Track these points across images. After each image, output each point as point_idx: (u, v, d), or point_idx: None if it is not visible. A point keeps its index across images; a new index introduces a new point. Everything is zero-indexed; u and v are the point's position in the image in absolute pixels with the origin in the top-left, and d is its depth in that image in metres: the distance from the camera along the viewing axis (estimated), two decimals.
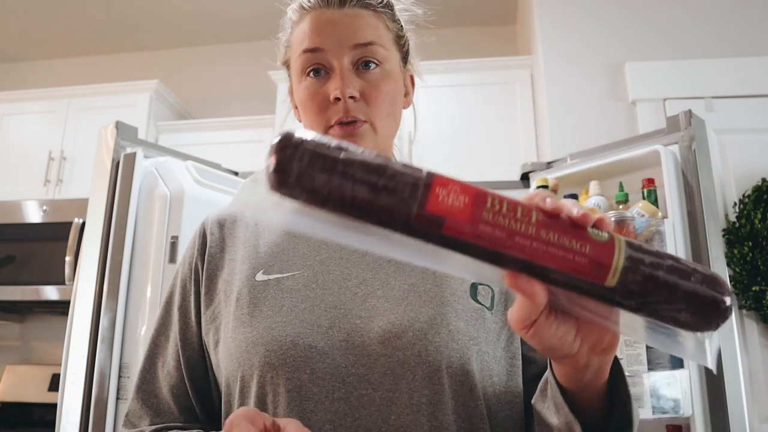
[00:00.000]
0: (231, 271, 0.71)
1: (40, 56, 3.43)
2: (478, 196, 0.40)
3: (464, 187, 0.40)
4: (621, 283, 0.41)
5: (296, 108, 0.77)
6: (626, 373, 0.57)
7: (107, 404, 1.38)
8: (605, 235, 0.41)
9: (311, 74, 0.69)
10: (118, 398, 1.40)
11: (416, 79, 0.80)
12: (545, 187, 1.71)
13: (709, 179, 1.49)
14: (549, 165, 1.85)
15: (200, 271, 0.73)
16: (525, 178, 1.92)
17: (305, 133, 0.40)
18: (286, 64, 0.76)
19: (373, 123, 0.69)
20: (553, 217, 0.41)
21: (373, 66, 0.69)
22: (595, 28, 2.31)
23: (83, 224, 1.68)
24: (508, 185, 1.97)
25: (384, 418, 0.59)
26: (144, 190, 1.53)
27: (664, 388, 1.36)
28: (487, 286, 0.69)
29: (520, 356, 0.69)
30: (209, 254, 0.73)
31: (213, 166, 1.77)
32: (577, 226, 0.41)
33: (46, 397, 2.55)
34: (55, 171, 2.63)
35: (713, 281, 0.41)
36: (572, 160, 1.77)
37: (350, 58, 0.68)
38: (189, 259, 0.75)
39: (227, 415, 0.63)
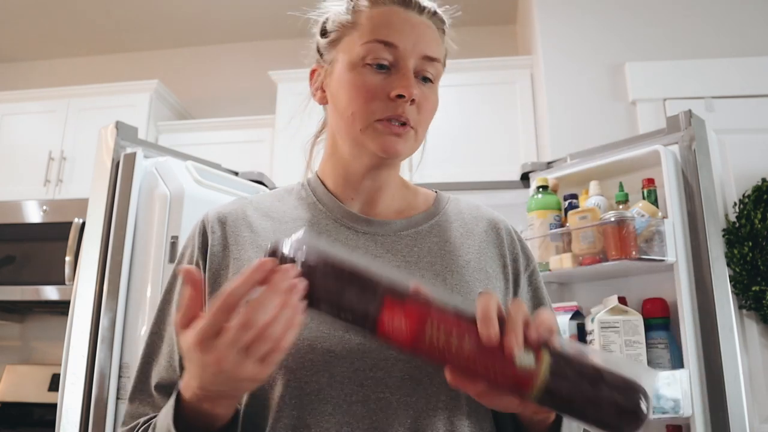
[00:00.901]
0: (237, 271, 0.69)
1: (40, 56, 3.43)
2: (418, 322, 0.50)
3: (408, 313, 0.50)
4: (539, 400, 0.49)
5: (322, 90, 0.75)
6: None
7: (107, 404, 1.38)
8: (531, 360, 0.49)
9: (375, 66, 0.68)
10: (118, 398, 1.40)
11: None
12: (545, 187, 1.71)
13: (709, 179, 1.49)
14: (549, 165, 1.85)
15: (203, 270, 0.71)
16: (525, 178, 1.92)
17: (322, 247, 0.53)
18: (332, 41, 0.73)
19: (417, 131, 0.70)
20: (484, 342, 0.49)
21: (429, 81, 0.71)
22: (595, 28, 2.31)
23: (83, 224, 1.68)
24: (508, 185, 1.97)
25: (401, 421, 0.60)
26: (144, 190, 1.53)
27: (664, 388, 1.36)
28: None
29: None
30: (211, 252, 0.71)
31: (213, 166, 1.77)
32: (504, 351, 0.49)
33: (46, 397, 2.54)
34: (55, 171, 2.63)
35: (627, 400, 0.48)
36: (572, 160, 1.76)
37: (415, 65, 0.69)
38: (189, 257, 0.73)
39: (246, 409, 0.64)
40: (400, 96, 0.66)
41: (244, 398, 0.66)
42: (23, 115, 2.80)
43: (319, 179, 0.78)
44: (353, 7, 0.72)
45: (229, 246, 0.71)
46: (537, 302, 0.77)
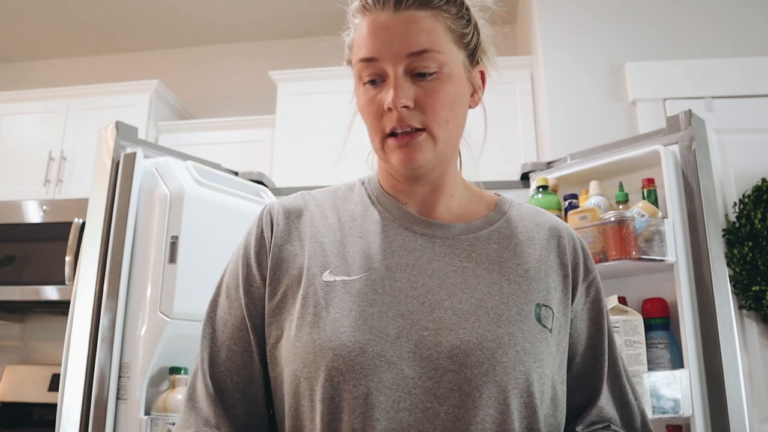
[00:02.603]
0: (298, 266, 0.70)
1: (40, 56, 3.43)
2: None
3: None
4: None
5: None
6: None
7: (107, 404, 1.38)
8: None
9: (370, 84, 0.68)
10: (118, 398, 1.40)
11: (490, 74, 0.77)
12: (545, 187, 1.71)
13: (709, 179, 1.49)
14: (549, 165, 1.85)
15: (266, 260, 0.71)
16: (525, 177, 1.92)
17: None
18: (350, 64, 0.74)
19: (431, 131, 0.67)
20: None
21: (428, 75, 0.67)
22: (595, 28, 2.31)
23: (83, 224, 1.69)
24: (508, 185, 1.97)
25: None
26: (144, 190, 1.53)
27: (664, 388, 1.36)
28: (549, 307, 0.69)
29: (565, 381, 0.71)
30: (275, 244, 0.72)
31: (213, 166, 1.77)
32: None
33: (46, 397, 2.54)
34: (55, 171, 2.63)
35: None
36: (572, 160, 1.76)
37: (404, 66, 0.66)
38: (255, 246, 0.73)
39: (292, 409, 0.64)
40: (391, 108, 0.66)
41: (285, 392, 0.66)
42: (23, 115, 2.80)
43: (378, 180, 0.78)
44: (353, 28, 0.72)
45: (292, 240, 0.72)
46: (595, 316, 0.74)
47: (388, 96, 0.65)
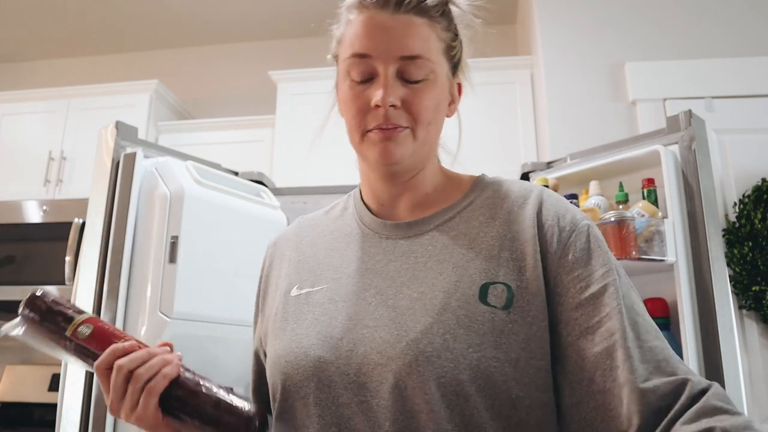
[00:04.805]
0: (276, 288, 0.78)
1: (40, 56, 3.43)
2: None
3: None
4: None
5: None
6: None
7: (107, 404, 1.38)
8: None
9: (356, 78, 0.69)
10: None
11: (466, 87, 0.80)
12: (545, 187, 1.71)
13: (709, 179, 1.49)
14: (549, 165, 1.85)
15: (259, 292, 0.83)
16: (525, 178, 1.92)
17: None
18: (336, 58, 0.76)
19: (414, 130, 0.69)
20: None
21: (416, 80, 0.69)
22: (595, 28, 2.31)
23: (83, 224, 1.68)
24: None
25: (380, 423, 0.61)
26: (144, 190, 1.53)
27: None
28: (503, 284, 0.65)
29: (549, 355, 0.63)
30: (264, 275, 0.82)
31: (213, 166, 1.76)
32: None
33: (46, 397, 2.55)
34: (55, 171, 2.63)
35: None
36: (572, 160, 1.76)
37: (395, 68, 0.68)
38: (258, 282, 0.84)
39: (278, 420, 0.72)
40: (378, 106, 0.67)
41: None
42: (23, 115, 2.80)
43: (360, 188, 0.81)
44: (345, 23, 0.73)
45: (274, 267, 0.81)
46: (586, 260, 0.65)
47: (377, 94, 0.67)
